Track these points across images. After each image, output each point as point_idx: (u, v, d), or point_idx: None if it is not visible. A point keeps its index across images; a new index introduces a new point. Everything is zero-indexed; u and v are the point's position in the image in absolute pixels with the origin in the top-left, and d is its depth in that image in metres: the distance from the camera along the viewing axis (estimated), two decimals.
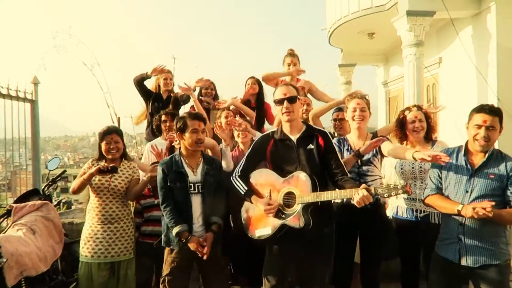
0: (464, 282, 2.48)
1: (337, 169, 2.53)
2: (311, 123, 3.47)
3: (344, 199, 2.91)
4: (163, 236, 2.82)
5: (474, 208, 2.19)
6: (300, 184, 2.46)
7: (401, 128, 3.08)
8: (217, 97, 4.75)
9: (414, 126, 3.00)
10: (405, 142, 3.12)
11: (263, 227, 2.57)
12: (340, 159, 2.62)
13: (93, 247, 2.99)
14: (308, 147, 2.56)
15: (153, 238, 3.19)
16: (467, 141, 2.49)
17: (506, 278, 2.39)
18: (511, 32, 5.50)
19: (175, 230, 2.67)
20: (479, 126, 2.34)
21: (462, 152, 2.48)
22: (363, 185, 2.29)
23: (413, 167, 2.99)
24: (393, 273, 3.37)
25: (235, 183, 2.68)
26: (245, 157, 2.75)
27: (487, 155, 2.37)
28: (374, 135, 3.14)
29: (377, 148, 2.89)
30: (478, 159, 2.40)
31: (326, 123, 3.92)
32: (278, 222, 2.49)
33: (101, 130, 3.14)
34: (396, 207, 3.12)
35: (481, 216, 2.19)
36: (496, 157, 2.39)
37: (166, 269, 2.77)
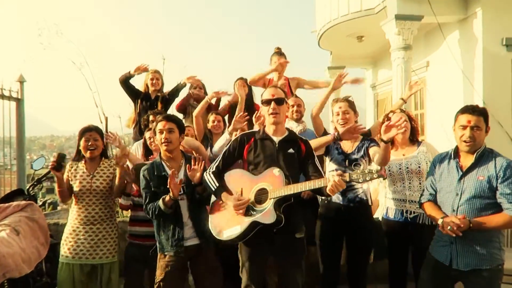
0: (454, 283, 2.49)
1: (315, 173, 2.53)
2: (311, 124, 3.47)
3: (324, 197, 2.93)
4: (157, 244, 2.78)
5: (447, 225, 2.25)
6: (272, 179, 2.42)
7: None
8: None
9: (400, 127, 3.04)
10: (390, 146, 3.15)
11: (231, 227, 2.47)
12: (319, 165, 2.60)
13: (74, 248, 2.94)
14: (289, 151, 2.55)
15: (142, 239, 3.15)
16: (457, 145, 2.49)
17: (497, 283, 2.37)
18: (497, 37, 5.62)
19: (161, 205, 2.61)
20: (464, 127, 2.35)
21: (453, 155, 2.48)
22: (338, 172, 2.27)
23: (400, 168, 3.02)
24: (380, 274, 3.40)
25: (207, 179, 2.58)
26: (221, 154, 2.68)
27: (475, 156, 2.35)
28: (367, 134, 3.17)
29: (365, 150, 2.91)
30: (468, 161, 2.38)
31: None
32: (248, 219, 2.40)
33: (81, 128, 3.09)
34: (386, 208, 3.15)
35: (449, 232, 2.23)
36: (487, 157, 2.35)
37: (160, 274, 2.71)
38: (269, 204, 2.39)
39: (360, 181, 2.22)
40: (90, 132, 3.05)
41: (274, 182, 2.42)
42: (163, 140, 2.72)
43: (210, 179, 2.58)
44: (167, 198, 2.60)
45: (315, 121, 3.37)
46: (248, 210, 2.44)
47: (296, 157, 2.56)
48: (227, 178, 2.61)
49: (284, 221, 2.37)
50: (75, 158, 3.13)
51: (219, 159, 2.65)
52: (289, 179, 2.43)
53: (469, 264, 2.32)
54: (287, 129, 2.68)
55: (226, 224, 2.51)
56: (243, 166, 2.66)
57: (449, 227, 2.23)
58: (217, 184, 2.54)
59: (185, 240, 2.69)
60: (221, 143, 3.43)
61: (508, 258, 3.22)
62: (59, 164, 2.89)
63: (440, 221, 2.33)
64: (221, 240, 2.51)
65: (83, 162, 3.07)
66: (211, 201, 2.65)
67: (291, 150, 2.55)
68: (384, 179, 2.45)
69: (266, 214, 2.37)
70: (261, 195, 2.45)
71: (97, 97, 5.57)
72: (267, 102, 2.58)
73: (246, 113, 3.48)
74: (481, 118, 2.34)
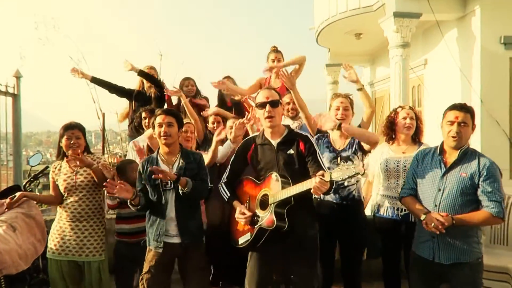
0: (441, 279, 2.53)
1: (316, 171, 2.43)
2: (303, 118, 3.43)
3: (322, 196, 2.89)
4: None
5: (430, 222, 2.30)
6: (271, 184, 2.46)
7: (391, 126, 3.12)
8: (198, 93, 4.76)
9: (406, 123, 3.05)
10: (391, 142, 3.15)
11: (244, 234, 2.58)
12: (321, 160, 2.53)
13: (60, 244, 2.92)
14: (288, 152, 2.52)
15: (129, 237, 3.15)
16: (442, 141, 2.54)
17: (477, 276, 2.44)
18: (495, 35, 5.63)
19: (132, 208, 2.67)
20: (452, 123, 2.40)
21: (437, 151, 2.53)
22: (320, 172, 2.22)
23: (397, 166, 3.02)
24: (375, 272, 3.41)
25: (221, 190, 2.72)
26: (230, 164, 2.75)
27: (459, 153, 2.41)
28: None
29: (357, 145, 2.89)
30: (452, 158, 2.45)
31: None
32: (255, 227, 2.50)
33: (62, 126, 3.03)
34: (377, 205, 3.15)
35: (433, 229, 2.29)
36: (470, 155, 2.43)
37: (145, 268, 2.72)
38: (270, 210, 2.43)
39: (340, 179, 2.16)
40: (72, 130, 2.99)
41: (273, 187, 2.45)
42: (162, 134, 2.70)
43: (223, 190, 2.70)
44: (134, 203, 2.65)
45: (308, 123, 3.34)
46: (254, 217, 2.51)
47: (295, 157, 2.52)
48: (238, 186, 2.72)
49: (290, 223, 2.39)
50: (58, 156, 3.09)
51: (228, 169, 2.74)
52: (288, 182, 2.42)
53: (450, 258, 2.39)
54: (287, 127, 2.64)
55: (240, 232, 2.62)
56: (251, 171, 2.71)
57: (433, 224, 2.29)
58: (229, 194, 2.67)
59: (170, 237, 2.67)
60: (224, 151, 3.37)
61: (492, 254, 3.28)
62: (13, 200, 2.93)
63: (423, 217, 2.38)
64: (237, 246, 2.63)
65: (65, 160, 3.02)
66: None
67: (290, 151, 2.52)
68: (362, 174, 2.37)
69: (268, 219, 2.42)
70: (264, 201, 2.50)
71: (94, 93, 5.54)
72: (262, 105, 2.54)
73: (243, 120, 3.38)
74: (468, 115, 2.41)
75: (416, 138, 3.12)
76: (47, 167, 4.18)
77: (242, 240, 2.59)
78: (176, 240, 2.68)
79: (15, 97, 4.50)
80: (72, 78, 4.62)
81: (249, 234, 2.53)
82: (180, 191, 2.62)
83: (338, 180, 2.18)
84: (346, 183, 2.88)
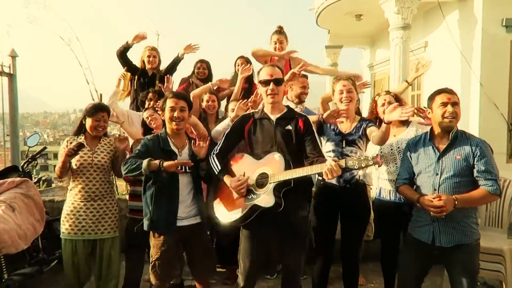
0: (436, 262, 2.56)
1: (313, 150, 2.50)
2: (321, 108, 3.48)
3: (320, 177, 2.90)
4: (145, 220, 2.71)
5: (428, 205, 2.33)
6: (273, 163, 2.45)
7: (373, 115, 3.15)
8: (210, 77, 4.68)
9: (384, 110, 3.04)
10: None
11: (233, 210, 2.52)
12: (319, 142, 2.58)
13: (76, 224, 2.93)
14: (286, 127, 2.55)
15: (141, 214, 3.15)
16: (431, 127, 2.57)
17: (476, 257, 2.48)
18: (496, 18, 5.56)
19: (144, 163, 2.53)
20: (445, 104, 2.43)
21: (428, 137, 2.55)
22: (334, 158, 2.31)
23: (391, 149, 3.03)
24: (373, 253, 3.45)
25: (211, 162, 2.62)
26: (224, 135, 2.69)
27: (451, 136, 2.45)
28: (359, 115, 3.16)
29: (363, 131, 2.89)
30: (443, 142, 2.49)
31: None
32: (248, 203, 2.45)
33: (91, 105, 3.03)
34: (379, 188, 3.17)
35: (433, 214, 2.31)
36: (461, 138, 2.47)
37: (155, 253, 2.65)
38: (268, 189, 2.41)
39: (355, 167, 2.24)
40: (102, 112, 3.02)
41: (274, 167, 2.43)
42: (175, 118, 2.68)
43: (214, 162, 2.61)
44: (156, 163, 2.54)
45: (323, 107, 3.40)
46: (249, 193, 2.47)
47: (293, 133, 2.55)
48: (231, 162, 2.64)
49: (284, 204, 2.39)
50: (76, 132, 3.09)
51: (222, 140, 2.66)
52: (289, 164, 2.42)
53: (452, 241, 2.42)
54: (287, 106, 2.67)
55: (227, 208, 2.55)
56: (246, 147, 2.67)
57: (431, 213, 2.32)
58: (220, 167, 2.57)
59: (179, 219, 2.66)
60: (220, 128, 3.37)
61: (486, 236, 3.32)
62: (76, 152, 2.86)
63: (420, 200, 2.39)
64: (223, 223, 2.55)
65: (83, 137, 3.03)
66: (215, 186, 2.67)
67: (288, 127, 2.55)
68: (379, 166, 2.45)
69: (266, 198, 2.41)
70: (262, 180, 2.47)
71: (89, 74, 5.45)
72: (265, 83, 2.55)
73: (247, 100, 3.38)
74: (456, 96, 2.47)
75: None
76: (45, 147, 4.18)
77: (230, 216, 2.52)
78: (185, 222, 2.67)
79: (11, 77, 4.47)
80: (66, 59, 4.56)
81: (239, 210, 2.48)
82: (202, 171, 2.67)
83: (355, 168, 2.25)
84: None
